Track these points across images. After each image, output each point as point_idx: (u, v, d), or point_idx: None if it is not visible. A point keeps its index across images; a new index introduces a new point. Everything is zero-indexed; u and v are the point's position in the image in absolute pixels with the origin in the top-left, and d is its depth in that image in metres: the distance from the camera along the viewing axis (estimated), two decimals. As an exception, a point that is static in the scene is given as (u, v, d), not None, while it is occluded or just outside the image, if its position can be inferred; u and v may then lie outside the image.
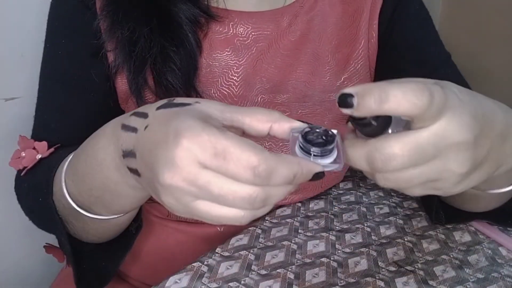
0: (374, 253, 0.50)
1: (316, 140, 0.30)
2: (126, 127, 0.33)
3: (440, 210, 0.54)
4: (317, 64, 0.56)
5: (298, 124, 0.31)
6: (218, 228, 0.60)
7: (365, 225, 0.57)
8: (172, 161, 0.27)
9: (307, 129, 0.30)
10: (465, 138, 0.28)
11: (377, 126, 0.29)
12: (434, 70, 0.56)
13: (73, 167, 0.41)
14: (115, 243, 0.49)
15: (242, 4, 0.53)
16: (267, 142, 0.55)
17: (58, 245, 0.50)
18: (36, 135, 0.52)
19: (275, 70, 0.54)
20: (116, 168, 0.35)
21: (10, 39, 0.68)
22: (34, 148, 0.49)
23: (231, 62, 0.53)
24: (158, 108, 0.31)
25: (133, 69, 0.49)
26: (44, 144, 0.50)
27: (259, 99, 0.54)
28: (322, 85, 0.56)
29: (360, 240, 0.53)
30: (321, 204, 0.62)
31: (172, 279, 0.45)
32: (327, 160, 0.30)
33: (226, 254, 0.50)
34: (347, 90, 0.28)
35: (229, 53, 0.53)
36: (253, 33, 0.54)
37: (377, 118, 0.29)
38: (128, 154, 0.32)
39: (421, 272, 0.47)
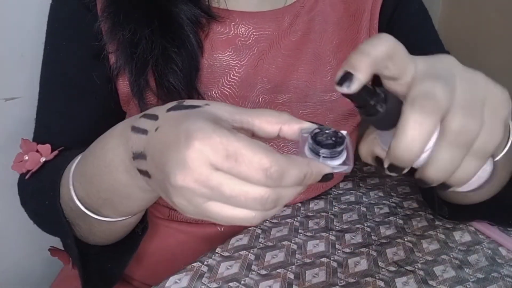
0: (374, 253, 0.50)
1: (325, 142, 0.30)
2: (136, 129, 0.33)
3: (444, 205, 0.54)
4: (318, 64, 0.56)
5: (307, 125, 0.31)
6: (219, 228, 0.60)
7: (365, 225, 0.57)
8: (184, 163, 0.27)
9: (317, 130, 0.30)
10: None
11: (385, 113, 0.29)
12: None
13: (81, 169, 0.41)
14: (121, 245, 0.49)
15: (243, 4, 0.53)
16: (269, 143, 0.55)
17: (62, 248, 0.49)
18: (38, 138, 0.52)
19: (276, 70, 0.54)
20: (125, 170, 0.35)
21: (10, 39, 0.68)
22: (37, 151, 0.49)
23: (232, 62, 0.53)
24: (168, 110, 0.31)
25: (134, 70, 0.49)
26: (48, 147, 0.49)
27: (260, 99, 0.54)
28: (323, 85, 0.56)
29: (360, 240, 0.53)
30: (321, 204, 0.62)
31: (172, 279, 0.45)
32: (336, 162, 0.30)
33: (226, 254, 0.50)
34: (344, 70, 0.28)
35: (230, 53, 0.53)
36: (254, 33, 0.54)
37: (382, 104, 0.28)
38: (138, 156, 0.32)
39: (421, 272, 0.47)
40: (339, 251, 0.51)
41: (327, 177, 0.30)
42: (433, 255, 0.50)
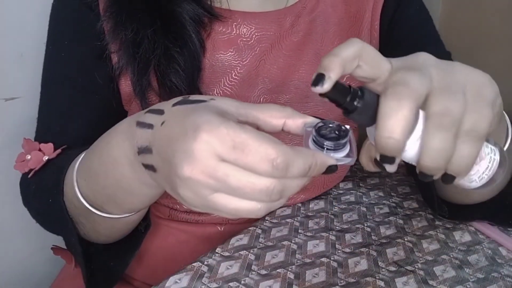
0: (374, 253, 0.50)
1: (329, 135, 0.31)
2: (141, 124, 0.33)
3: (444, 204, 0.54)
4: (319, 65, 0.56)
5: (311, 120, 0.32)
6: (219, 228, 0.60)
7: (365, 225, 0.57)
8: (191, 154, 0.27)
9: (321, 124, 0.31)
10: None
11: (363, 107, 0.30)
12: None
13: (85, 165, 0.41)
14: (124, 243, 0.49)
15: (245, 4, 0.53)
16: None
17: (64, 246, 0.50)
18: (40, 138, 0.52)
19: (277, 71, 0.54)
20: (129, 165, 0.35)
21: (10, 39, 0.68)
22: (40, 150, 0.49)
23: (234, 62, 0.53)
24: (174, 105, 0.31)
25: (137, 70, 0.49)
26: (50, 145, 0.50)
27: (261, 99, 0.54)
28: None
29: (360, 240, 0.53)
30: (321, 204, 0.62)
31: (172, 279, 0.45)
32: (340, 154, 0.31)
33: (226, 254, 0.50)
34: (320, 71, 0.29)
35: (232, 53, 0.53)
36: (256, 34, 0.54)
37: (359, 100, 0.30)
38: (143, 150, 0.32)
39: (421, 272, 0.47)
40: (339, 251, 0.51)
41: (331, 169, 0.30)
42: (433, 255, 0.50)
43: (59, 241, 0.50)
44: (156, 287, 0.44)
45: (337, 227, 0.56)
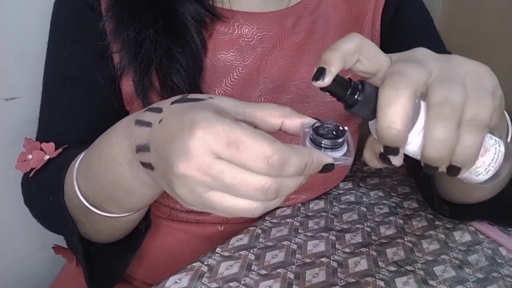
0: (374, 253, 0.50)
1: (326, 135, 0.31)
2: (140, 122, 0.33)
3: (444, 204, 0.54)
4: None
5: (309, 120, 0.32)
6: (219, 227, 0.60)
7: (365, 225, 0.57)
8: (187, 151, 0.27)
9: (318, 124, 0.31)
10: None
11: (364, 100, 0.30)
12: None
13: (85, 164, 0.41)
14: (124, 243, 0.49)
15: (247, 4, 0.53)
16: None
17: (65, 246, 0.50)
18: (41, 137, 0.52)
19: (278, 71, 0.55)
20: (128, 164, 0.35)
21: (10, 39, 0.68)
22: (41, 149, 0.49)
23: (236, 62, 0.53)
24: (172, 103, 0.31)
25: (138, 70, 0.49)
26: (52, 145, 0.50)
27: (262, 99, 0.54)
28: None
29: (360, 240, 0.53)
30: (321, 204, 0.62)
31: (172, 279, 0.45)
32: (337, 154, 0.31)
33: (226, 254, 0.50)
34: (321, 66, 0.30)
35: (234, 53, 0.53)
36: (258, 34, 0.54)
37: (360, 93, 0.30)
38: (141, 148, 0.32)
39: (421, 272, 0.47)
40: (339, 251, 0.51)
41: (327, 168, 0.30)
42: (433, 255, 0.50)
43: (60, 240, 0.50)
44: (156, 287, 0.45)
45: (337, 227, 0.56)
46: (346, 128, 0.31)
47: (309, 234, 0.54)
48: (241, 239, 0.53)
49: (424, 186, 0.59)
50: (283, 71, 0.55)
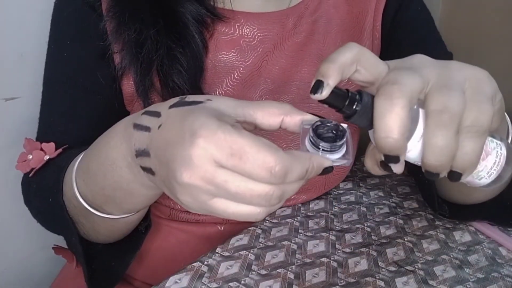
0: (374, 253, 0.50)
1: (326, 134, 0.31)
2: (138, 126, 0.33)
3: (444, 204, 0.54)
4: None
5: (309, 117, 0.32)
6: (219, 227, 0.60)
7: (365, 225, 0.57)
8: (189, 160, 0.27)
9: (318, 123, 0.31)
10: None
11: (363, 110, 0.30)
12: None
13: (84, 166, 0.41)
14: (124, 243, 0.49)
15: (248, 5, 0.53)
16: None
17: (65, 246, 0.50)
18: (41, 138, 0.52)
19: (279, 71, 0.55)
20: (128, 167, 0.35)
21: (10, 39, 0.68)
22: (41, 149, 0.49)
23: (237, 63, 0.53)
24: (171, 107, 0.31)
25: (139, 71, 0.49)
26: (52, 145, 0.50)
27: (263, 100, 0.54)
28: None
29: (360, 240, 0.53)
30: (321, 204, 0.62)
31: (172, 279, 0.45)
32: (336, 155, 0.31)
33: (226, 254, 0.50)
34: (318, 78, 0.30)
35: (235, 54, 0.53)
36: (259, 34, 0.54)
37: (358, 103, 0.30)
38: (141, 153, 0.32)
39: (421, 272, 0.47)
40: (339, 251, 0.51)
41: (327, 170, 0.30)
42: (433, 255, 0.50)
43: (60, 240, 0.50)
44: (156, 287, 0.45)
45: (337, 227, 0.56)
46: (346, 126, 0.31)
47: (309, 234, 0.54)
48: (241, 239, 0.53)
49: (424, 186, 0.59)
50: (284, 72, 0.55)
